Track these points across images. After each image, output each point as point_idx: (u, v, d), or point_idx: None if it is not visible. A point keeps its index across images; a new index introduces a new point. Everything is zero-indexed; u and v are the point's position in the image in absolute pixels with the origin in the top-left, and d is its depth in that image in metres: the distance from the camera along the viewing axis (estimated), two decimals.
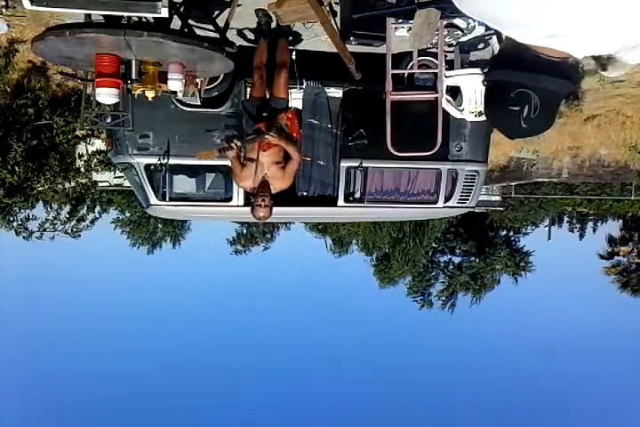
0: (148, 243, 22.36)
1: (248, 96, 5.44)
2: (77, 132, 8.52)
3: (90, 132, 8.73)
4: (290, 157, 4.68)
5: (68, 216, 9.69)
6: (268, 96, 5.07)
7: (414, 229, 19.97)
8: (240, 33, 5.75)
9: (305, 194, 6.18)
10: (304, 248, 35.96)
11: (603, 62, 1.38)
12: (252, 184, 4.62)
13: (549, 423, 34.38)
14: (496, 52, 1.29)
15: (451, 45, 5.43)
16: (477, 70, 5.43)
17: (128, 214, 21.41)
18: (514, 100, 1.24)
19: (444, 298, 21.91)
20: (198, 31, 4.70)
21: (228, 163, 5.57)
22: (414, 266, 21.56)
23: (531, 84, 1.21)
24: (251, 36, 5.81)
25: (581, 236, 28.15)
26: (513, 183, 16.73)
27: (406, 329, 32.71)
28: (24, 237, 8.97)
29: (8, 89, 7.73)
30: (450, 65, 5.62)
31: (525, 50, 1.14)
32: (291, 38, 5.74)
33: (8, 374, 27.05)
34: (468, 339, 33.51)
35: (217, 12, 5.00)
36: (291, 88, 5.40)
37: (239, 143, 4.56)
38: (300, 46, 6.03)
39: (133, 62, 3.96)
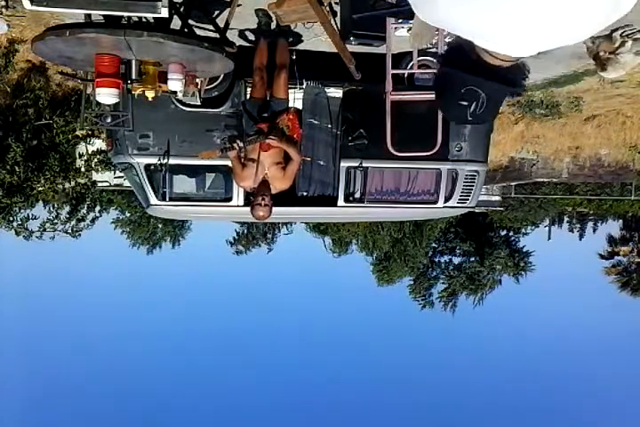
0: (148, 243, 22.32)
1: (249, 97, 5.43)
2: (77, 132, 8.52)
3: (90, 132, 8.73)
4: (290, 157, 4.71)
5: (68, 216, 9.68)
6: (268, 97, 5.07)
7: (413, 230, 19.97)
8: (240, 33, 5.75)
9: (305, 194, 6.17)
10: (304, 248, 35.97)
11: (602, 63, 1.42)
12: (252, 184, 4.64)
13: (550, 423, 34.39)
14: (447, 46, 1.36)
15: None
16: None
17: (128, 214, 21.38)
18: (464, 95, 1.38)
19: (444, 299, 21.91)
20: (198, 31, 4.70)
21: (228, 163, 5.59)
22: (414, 266, 21.56)
23: (479, 85, 1.33)
24: (251, 36, 5.81)
25: (581, 236, 28.18)
26: (513, 183, 16.74)
27: (407, 329, 32.72)
28: (24, 237, 8.96)
29: (8, 89, 7.73)
30: None
31: (476, 53, 1.23)
32: (291, 39, 5.74)
33: (8, 374, 27.08)
34: (469, 339, 33.52)
35: (217, 12, 5.00)
36: (291, 88, 5.39)
37: (241, 144, 4.58)
38: (300, 46, 6.02)
39: (133, 62, 3.96)
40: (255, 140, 4.60)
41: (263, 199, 4.51)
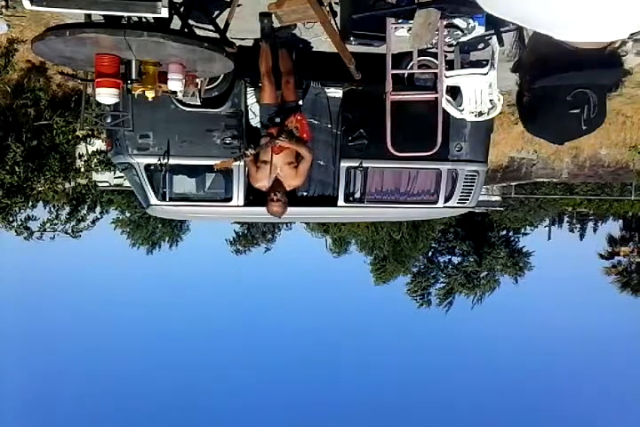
0: (148, 243, 22.34)
1: (261, 101, 5.47)
2: (77, 133, 8.51)
3: (90, 133, 8.73)
4: (302, 156, 4.91)
5: (68, 216, 9.69)
6: (279, 100, 5.20)
7: (411, 230, 20.00)
8: (240, 33, 5.75)
9: (305, 194, 6.18)
10: (303, 248, 36.03)
11: None
12: (267, 184, 4.86)
13: (548, 423, 34.39)
14: (524, 59, 1.22)
15: (451, 45, 5.43)
16: (478, 70, 5.43)
17: (128, 214, 21.40)
18: (573, 103, 1.19)
19: (441, 297, 21.95)
20: (198, 31, 4.70)
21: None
22: (412, 266, 21.61)
23: (586, 82, 1.16)
24: (251, 36, 5.81)
25: (582, 236, 28.18)
26: (513, 183, 16.73)
27: (405, 328, 32.74)
28: (24, 238, 8.97)
29: (8, 89, 7.73)
30: (450, 65, 5.61)
31: (565, 51, 1.11)
32: (292, 45, 5.76)
33: (8, 374, 27.08)
34: (468, 338, 33.51)
35: (217, 12, 5.00)
36: None
37: (253, 151, 4.76)
38: (301, 46, 6.02)
39: (133, 62, 3.96)
40: (267, 144, 4.79)
41: (275, 195, 4.74)
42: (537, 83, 1.13)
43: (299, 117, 5.06)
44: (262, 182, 4.90)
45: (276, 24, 5.15)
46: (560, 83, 1.04)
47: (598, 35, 1.03)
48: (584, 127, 1.10)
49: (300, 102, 5.65)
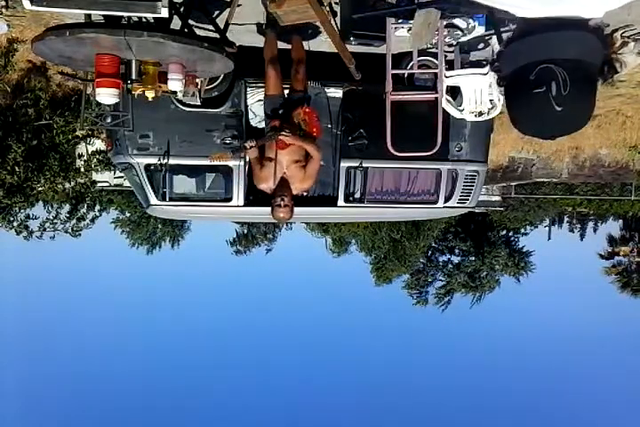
0: (148, 243, 22.35)
1: (265, 93, 5.00)
2: (77, 132, 8.53)
3: (90, 132, 8.74)
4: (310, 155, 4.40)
5: (68, 215, 9.71)
6: (285, 91, 4.78)
7: (411, 230, 20.01)
8: (240, 33, 5.75)
9: (305, 194, 6.17)
10: (303, 248, 36.07)
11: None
12: (272, 185, 4.34)
13: (548, 423, 34.41)
14: (497, 50, 1.18)
15: (451, 45, 5.42)
16: (478, 70, 5.43)
17: (128, 214, 21.42)
18: (536, 80, 1.06)
19: (440, 296, 21.95)
20: (198, 31, 4.70)
21: (228, 163, 5.55)
22: (411, 266, 21.62)
23: (548, 56, 1.03)
24: (251, 35, 5.81)
25: (582, 236, 28.21)
26: (513, 183, 16.76)
27: (406, 327, 32.76)
28: (24, 237, 8.98)
29: (8, 89, 7.73)
30: (450, 65, 5.61)
31: (528, 27, 1.03)
32: (303, 33, 5.59)
33: (7, 375, 27.08)
34: (468, 338, 33.54)
35: (217, 12, 5.00)
36: None
37: (253, 144, 4.23)
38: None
39: (133, 62, 3.96)
40: (270, 138, 4.30)
41: (282, 200, 4.22)
42: (502, 70, 0.97)
43: (307, 110, 4.58)
44: (267, 183, 4.34)
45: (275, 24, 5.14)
46: (519, 64, 0.87)
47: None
48: (558, 108, 0.89)
49: (309, 94, 5.14)
